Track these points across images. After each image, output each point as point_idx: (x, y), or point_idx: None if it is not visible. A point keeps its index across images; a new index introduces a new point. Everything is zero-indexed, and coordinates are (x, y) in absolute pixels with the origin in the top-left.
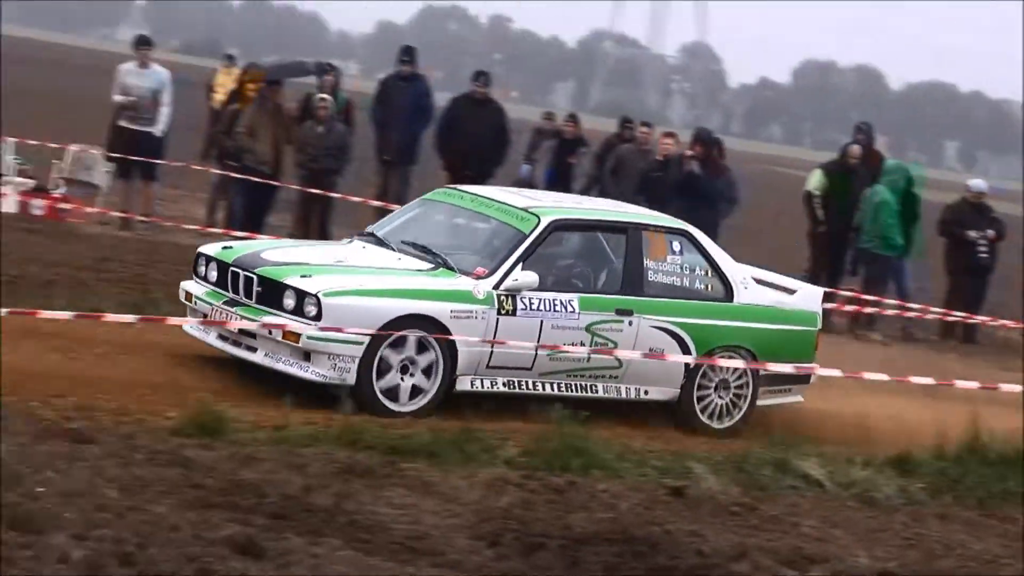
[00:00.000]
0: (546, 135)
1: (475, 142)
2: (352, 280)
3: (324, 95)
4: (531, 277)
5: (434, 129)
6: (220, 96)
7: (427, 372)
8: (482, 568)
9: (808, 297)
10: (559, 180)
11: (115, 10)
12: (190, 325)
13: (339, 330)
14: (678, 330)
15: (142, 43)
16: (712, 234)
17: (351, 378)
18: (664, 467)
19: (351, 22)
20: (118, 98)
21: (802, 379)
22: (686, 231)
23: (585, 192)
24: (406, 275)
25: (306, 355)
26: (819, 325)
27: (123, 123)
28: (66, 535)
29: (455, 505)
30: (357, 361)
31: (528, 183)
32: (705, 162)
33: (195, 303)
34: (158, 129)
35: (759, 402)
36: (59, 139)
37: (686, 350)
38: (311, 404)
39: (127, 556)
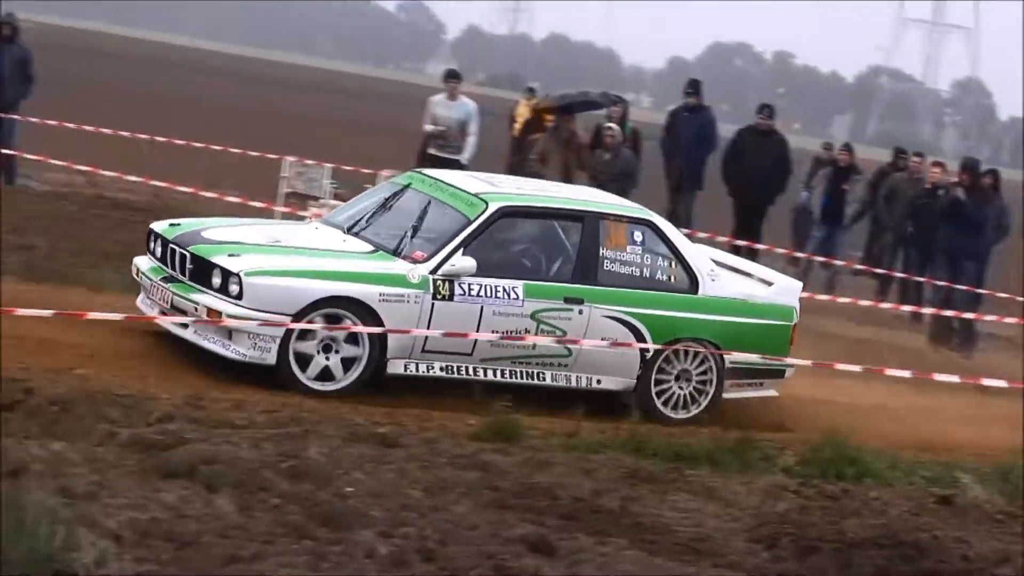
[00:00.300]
0: (823, 164)
1: (759, 171)
2: (281, 260)
3: (611, 124)
4: (468, 262)
5: (720, 157)
6: (519, 126)
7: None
8: (760, 569)
9: (785, 290)
10: (834, 206)
11: (425, 46)
12: (140, 299)
13: (260, 311)
14: (633, 320)
15: (451, 76)
16: (982, 259)
17: (271, 358)
18: (933, 477)
19: (643, 58)
20: (428, 127)
21: (775, 373)
22: (650, 221)
23: (857, 218)
24: (341, 257)
25: (229, 333)
26: (796, 319)
27: (432, 151)
28: (373, 532)
29: (735, 509)
30: (277, 341)
31: (806, 210)
32: (971, 190)
33: (140, 278)
34: (464, 157)
35: (727, 395)
36: (370, 164)
37: (640, 340)
38: (601, 414)
39: (429, 552)
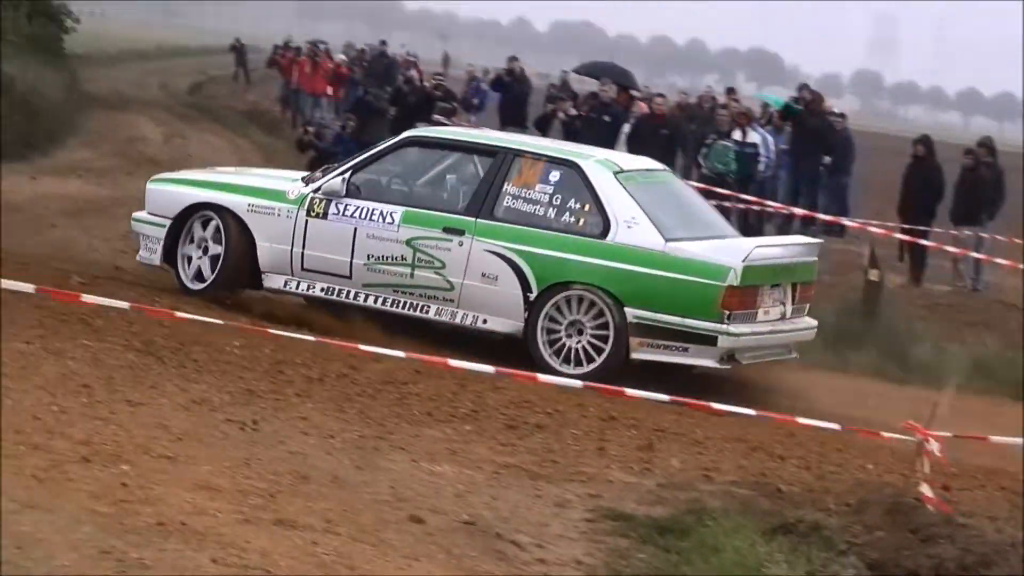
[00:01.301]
0: None
1: None
2: (188, 175)
3: None
4: (334, 183)
5: None
6: None
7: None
8: None
9: (726, 249)
10: None
11: None
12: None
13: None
14: (516, 258)
15: None
16: None
17: (157, 259)
18: None
19: None
20: None
21: (705, 339)
22: (575, 164)
23: None
24: (243, 175)
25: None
26: (730, 281)
27: None
28: None
29: None
30: (161, 243)
31: None
32: None
33: None
34: None
35: (640, 356)
36: None
37: (523, 280)
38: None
39: None
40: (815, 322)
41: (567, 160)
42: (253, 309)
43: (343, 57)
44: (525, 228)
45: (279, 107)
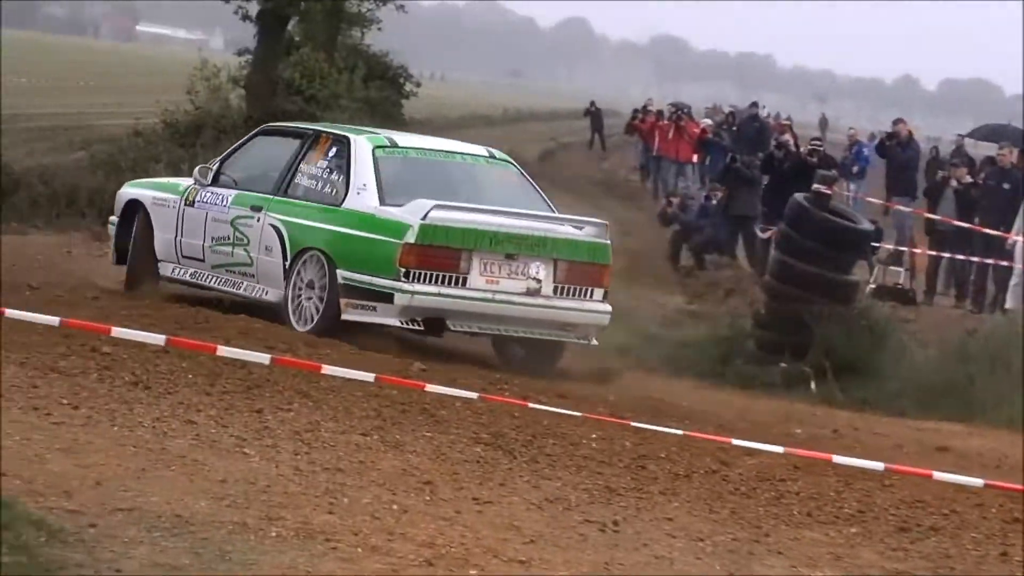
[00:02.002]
0: None
1: None
2: (150, 180)
3: None
4: (201, 171)
5: None
6: None
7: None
8: None
9: (412, 209)
10: None
11: None
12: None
13: None
14: (282, 228)
15: None
16: None
17: (112, 256)
18: None
19: None
20: None
21: (386, 297)
22: (346, 138)
23: None
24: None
25: None
26: (407, 238)
27: None
28: None
29: None
30: (112, 241)
31: None
32: None
33: None
34: None
35: (347, 317)
36: None
37: (284, 249)
38: None
39: None
40: (607, 307)
41: (343, 136)
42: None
43: (709, 121)
44: (297, 201)
45: (638, 176)
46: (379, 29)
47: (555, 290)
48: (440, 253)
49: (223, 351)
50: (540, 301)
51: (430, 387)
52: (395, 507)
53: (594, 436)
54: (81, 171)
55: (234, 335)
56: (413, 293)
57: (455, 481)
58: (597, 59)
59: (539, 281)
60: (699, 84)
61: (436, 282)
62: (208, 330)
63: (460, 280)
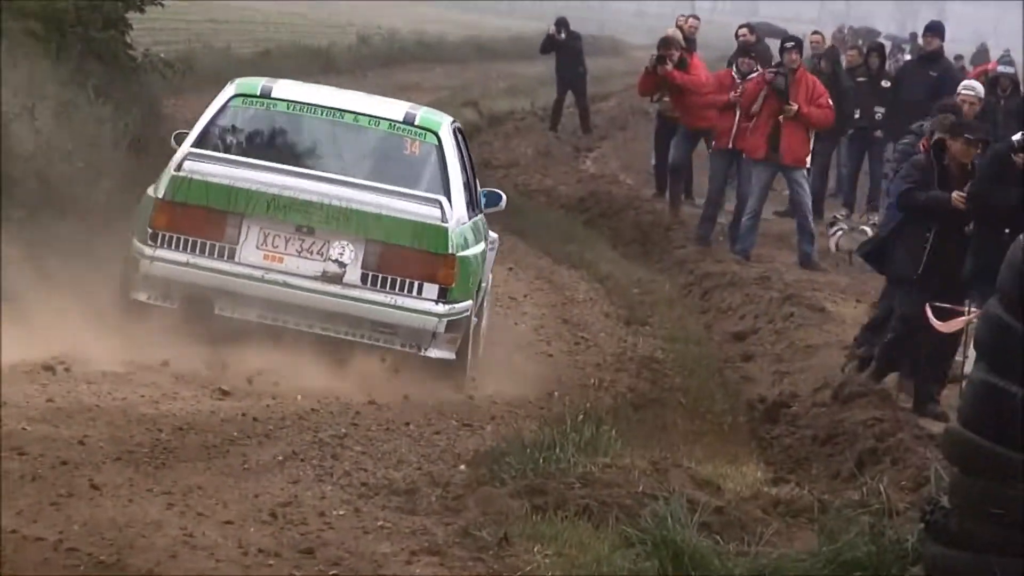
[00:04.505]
0: None
1: None
2: None
3: None
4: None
5: None
6: None
7: None
8: None
9: (176, 160)
10: None
11: None
12: None
13: None
14: None
15: None
16: None
17: None
18: None
19: None
20: None
21: (134, 266)
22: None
23: None
24: None
25: None
26: (158, 193)
27: None
28: None
29: None
30: None
31: None
32: None
33: None
34: None
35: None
36: None
37: None
38: None
39: None
40: (439, 308)
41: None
42: None
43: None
44: None
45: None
46: None
47: (363, 278)
48: (197, 214)
49: None
50: (339, 290)
51: None
52: None
53: None
54: None
55: None
56: (154, 260)
57: None
58: None
59: (343, 265)
60: None
61: (192, 250)
62: None
63: (227, 252)
